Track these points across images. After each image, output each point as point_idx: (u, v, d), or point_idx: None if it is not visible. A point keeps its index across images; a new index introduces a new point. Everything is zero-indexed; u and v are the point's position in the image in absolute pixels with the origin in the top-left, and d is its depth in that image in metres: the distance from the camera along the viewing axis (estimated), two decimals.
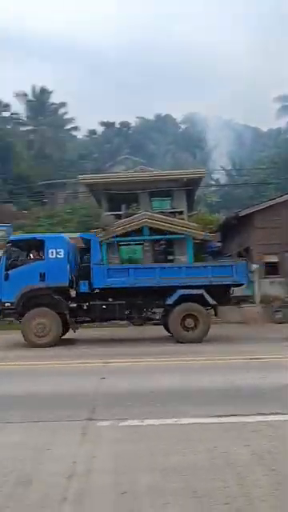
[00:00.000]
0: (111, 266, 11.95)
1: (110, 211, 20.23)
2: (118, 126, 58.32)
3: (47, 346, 10.75)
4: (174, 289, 11.30)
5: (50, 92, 46.12)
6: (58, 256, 11.25)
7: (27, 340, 11.06)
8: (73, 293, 11.57)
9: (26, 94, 45.44)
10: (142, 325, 12.43)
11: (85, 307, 11.65)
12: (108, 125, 57.97)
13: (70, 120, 47.75)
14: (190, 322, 11.17)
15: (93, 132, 57.05)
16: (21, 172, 36.06)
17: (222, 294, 11.76)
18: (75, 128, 49.53)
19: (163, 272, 11.66)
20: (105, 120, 57.87)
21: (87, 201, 27.68)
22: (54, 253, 11.26)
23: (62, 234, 12.29)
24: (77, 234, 13.37)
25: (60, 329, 11.25)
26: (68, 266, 11.36)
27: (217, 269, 11.77)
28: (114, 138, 55.39)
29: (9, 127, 41.43)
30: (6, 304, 11.19)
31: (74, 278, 11.67)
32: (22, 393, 5.91)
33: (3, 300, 11.22)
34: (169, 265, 13.51)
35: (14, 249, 11.91)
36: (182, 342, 10.91)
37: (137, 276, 11.41)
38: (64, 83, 75.88)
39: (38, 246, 11.68)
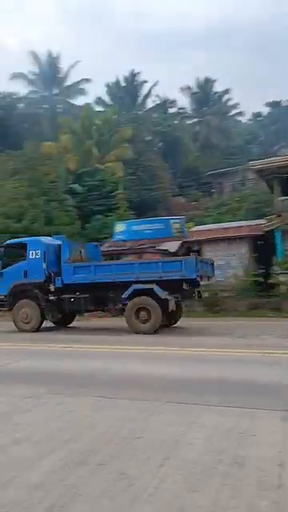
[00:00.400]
0: (77, 264, 13.25)
1: (283, 196, 19.42)
2: (284, 104, 55.14)
3: (31, 331, 13.03)
4: (130, 284, 12.17)
5: (214, 81, 46.35)
6: (36, 256, 13.29)
7: (16, 326, 13.40)
8: (52, 287, 13.18)
9: (189, 88, 46.60)
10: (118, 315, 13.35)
11: (62, 300, 13.28)
12: (274, 105, 55.33)
13: (234, 106, 47.31)
14: (143, 314, 11.95)
15: (257, 115, 55.22)
16: (188, 164, 37.24)
17: (176, 289, 12.19)
18: (240, 113, 48.89)
19: (119, 268, 12.76)
20: (270, 100, 55.43)
21: (257, 187, 27.04)
22: (34, 254, 13.35)
23: (40, 238, 14.46)
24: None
25: (39, 317, 13.36)
26: (44, 265, 13.18)
27: (167, 264, 12.36)
28: (280, 117, 52.61)
29: (176, 122, 43.05)
30: (1, 297, 13.72)
31: (53, 274, 13.20)
32: (214, 378, 6.19)
33: None
34: (124, 261, 15.59)
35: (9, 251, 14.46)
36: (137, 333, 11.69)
37: (97, 272, 12.69)
38: (226, 70, 75.18)
39: (24, 248, 13.69)
